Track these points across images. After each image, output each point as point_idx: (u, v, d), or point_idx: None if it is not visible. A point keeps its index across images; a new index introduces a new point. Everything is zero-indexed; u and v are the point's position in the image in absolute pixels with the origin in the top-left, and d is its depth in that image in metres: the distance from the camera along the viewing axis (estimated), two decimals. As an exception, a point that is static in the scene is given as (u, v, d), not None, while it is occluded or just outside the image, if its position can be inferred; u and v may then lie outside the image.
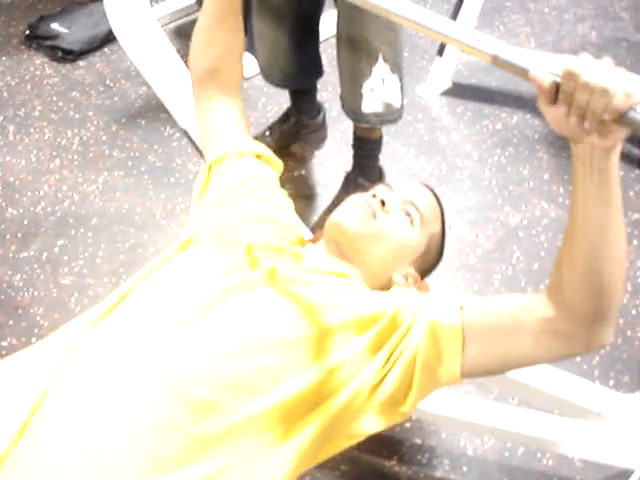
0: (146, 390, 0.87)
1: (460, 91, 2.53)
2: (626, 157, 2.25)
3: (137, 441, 0.84)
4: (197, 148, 2.26)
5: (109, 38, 2.71)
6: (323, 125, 2.29)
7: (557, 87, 0.78)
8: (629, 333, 1.78)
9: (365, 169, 2.04)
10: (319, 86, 2.19)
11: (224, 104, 1.27)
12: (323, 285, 1.04)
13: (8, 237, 2.00)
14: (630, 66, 2.50)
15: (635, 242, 2.00)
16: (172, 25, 2.75)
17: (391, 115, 1.88)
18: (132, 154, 2.27)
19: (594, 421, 1.40)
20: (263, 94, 2.46)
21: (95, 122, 2.39)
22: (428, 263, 1.23)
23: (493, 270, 1.92)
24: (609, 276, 0.88)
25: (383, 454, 1.55)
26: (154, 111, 2.43)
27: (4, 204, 2.10)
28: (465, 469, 1.53)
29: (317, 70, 2.07)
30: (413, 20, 0.84)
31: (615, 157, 0.83)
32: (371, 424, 1.01)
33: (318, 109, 2.25)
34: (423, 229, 1.18)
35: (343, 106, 1.93)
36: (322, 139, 2.30)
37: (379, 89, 1.81)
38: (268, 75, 2.04)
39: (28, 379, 0.90)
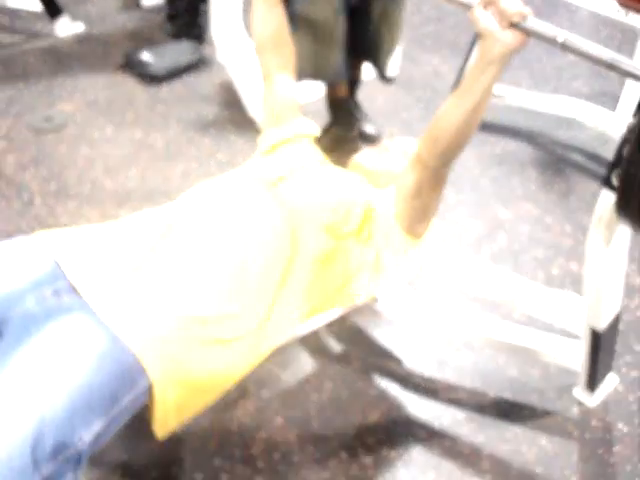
0: (230, 234, 1.40)
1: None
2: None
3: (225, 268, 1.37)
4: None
5: (187, 69, 3.37)
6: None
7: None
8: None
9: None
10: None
11: (282, 81, 1.78)
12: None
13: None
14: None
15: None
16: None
17: None
18: (204, 152, 2.86)
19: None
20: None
21: (175, 128, 3.00)
22: None
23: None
24: (466, 132, 1.35)
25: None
26: (222, 124, 3.03)
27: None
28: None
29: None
30: None
31: (501, 65, 1.28)
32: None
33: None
34: None
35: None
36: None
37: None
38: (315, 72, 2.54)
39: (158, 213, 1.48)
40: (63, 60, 3.46)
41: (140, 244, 1.39)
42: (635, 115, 1.38)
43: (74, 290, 1.30)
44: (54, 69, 3.37)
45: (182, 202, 1.51)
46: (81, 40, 3.62)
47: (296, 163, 1.65)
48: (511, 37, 1.27)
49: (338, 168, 1.70)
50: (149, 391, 1.22)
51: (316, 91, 2.87)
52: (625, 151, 1.39)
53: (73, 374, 1.13)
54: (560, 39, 1.25)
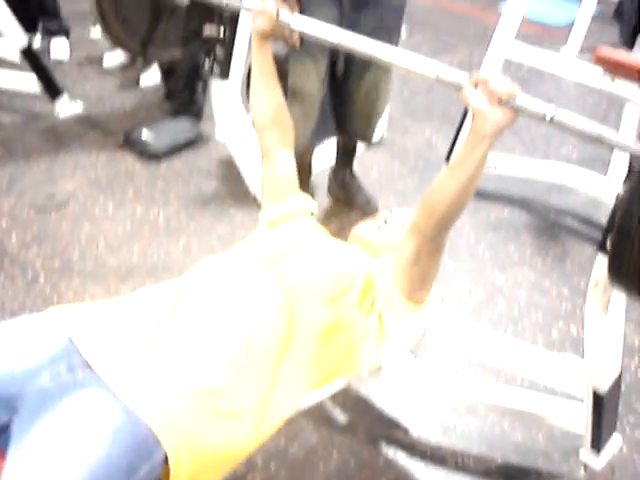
0: (234, 312, 1.43)
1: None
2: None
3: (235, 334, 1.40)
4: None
5: (185, 146, 3.46)
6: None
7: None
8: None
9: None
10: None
11: (282, 158, 1.84)
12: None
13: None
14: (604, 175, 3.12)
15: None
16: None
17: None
18: (204, 226, 2.92)
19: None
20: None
21: (175, 204, 3.06)
22: None
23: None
24: (461, 202, 1.41)
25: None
26: (222, 198, 3.10)
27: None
28: None
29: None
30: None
31: (493, 140, 1.35)
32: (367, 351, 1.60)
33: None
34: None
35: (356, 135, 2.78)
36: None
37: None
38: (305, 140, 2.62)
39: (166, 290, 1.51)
40: (63, 139, 3.54)
41: (150, 320, 1.43)
42: (624, 183, 1.43)
43: (88, 365, 1.33)
44: (55, 148, 3.45)
45: (188, 279, 1.55)
46: (81, 119, 3.71)
47: (297, 239, 1.70)
48: (501, 115, 1.33)
49: (338, 241, 1.75)
50: (164, 462, 1.23)
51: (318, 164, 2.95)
52: (616, 219, 1.43)
53: (91, 447, 1.15)
54: (548, 117, 1.32)
